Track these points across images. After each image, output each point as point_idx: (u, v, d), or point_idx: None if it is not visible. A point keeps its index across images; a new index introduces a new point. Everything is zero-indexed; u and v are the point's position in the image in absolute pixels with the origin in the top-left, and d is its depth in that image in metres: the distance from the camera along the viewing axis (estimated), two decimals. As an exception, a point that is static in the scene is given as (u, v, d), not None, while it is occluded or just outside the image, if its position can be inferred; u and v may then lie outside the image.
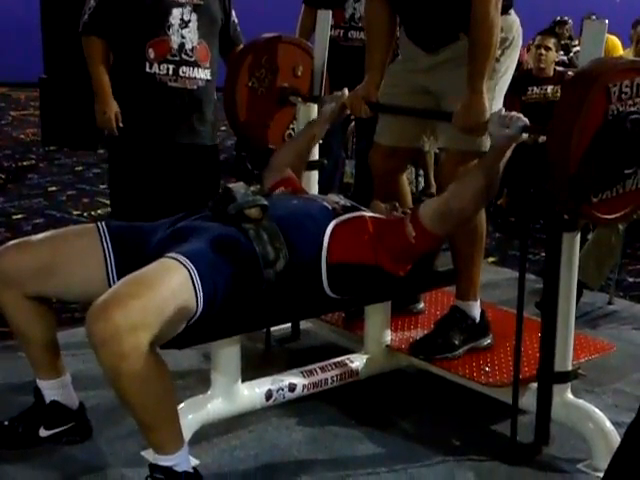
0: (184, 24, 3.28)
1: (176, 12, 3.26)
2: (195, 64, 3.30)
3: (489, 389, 2.67)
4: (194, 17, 3.29)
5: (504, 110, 2.48)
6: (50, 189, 6.10)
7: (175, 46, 3.26)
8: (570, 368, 2.50)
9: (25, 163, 7.00)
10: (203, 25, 3.32)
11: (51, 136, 7.50)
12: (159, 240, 2.35)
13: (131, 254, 2.34)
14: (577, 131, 2.16)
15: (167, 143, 3.33)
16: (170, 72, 3.27)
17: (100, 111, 3.33)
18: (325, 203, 2.51)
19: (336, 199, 2.58)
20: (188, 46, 3.29)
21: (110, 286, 2.27)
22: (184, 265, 2.11)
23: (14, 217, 5.26)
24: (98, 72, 3.31)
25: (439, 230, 2.45)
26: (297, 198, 2.60)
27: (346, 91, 2.96)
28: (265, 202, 2.39)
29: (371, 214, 2.53)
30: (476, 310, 2.83)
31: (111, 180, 3.61)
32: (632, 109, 2.23)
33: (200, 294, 2.12)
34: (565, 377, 2.49)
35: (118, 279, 2.27)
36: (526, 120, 2.41)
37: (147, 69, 3.26)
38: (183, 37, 3.28)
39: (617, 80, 2.21)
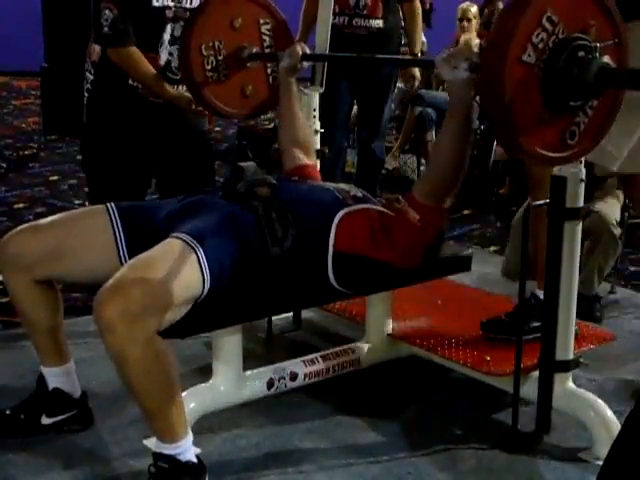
0: (173, 40, 3.19)
1: (169, 28, 3.19)
2: (178, 82, 3.20)
3: (490, 378, 2.67)
4: None
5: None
6: (51, 178, 6.10)
7: (162, 63, 3.20)
8: (571, 357, 2.50)
9: (26, 152, 7.00)
10: None
11: (52, 125, 7.49)
12: (168, 213, 2.37)
13: (141, 230, 2.36)
14: (507, 104, 1.95)
15: (145, 143, 3.28)
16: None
17: (184, 103, 3.19)
18: (335, 192, 2.49)
19: (347, 188, 2.56)
20: (174, 63, 3.20)
21: (122, 264, 2.29)
22: (191, 246, 2.12)
23: (15, 206, 5.27)
24: (153, 77, 3.16)
25: (435, 201, 2.34)
26: (307, 183, 2.60)
27: (298, 46, 2.85)
28: (274, 181, 2.41)
29: (378, 208, 2.48)
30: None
31: (87, 172, 3.58)
32: (555, 44, 1.97)
33: (207, 275, 2.12)
34: (566, 366, 2.50)
35: (130, 257, 2.29)
36: (474, 56, 2.20)
37: (130, 81, 3.21)
38: (171, 54, 3.20)
39: (526, 43, 1.94)
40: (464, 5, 6.69)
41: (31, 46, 8.32)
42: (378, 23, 4.35)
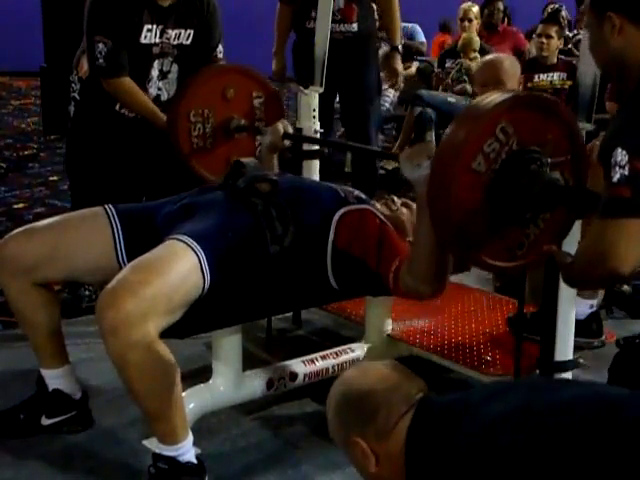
0: (162, 75, 3.21)
1: (157, 64, 3.19)
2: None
3: (490, 378, 2.67)
4: (174, 68, 3.22)
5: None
6: (51, 178, 6.09)
7: (151, 98, 3.20)
8: (571, 357, 2.50)
9: (26, 152, 6.99)
10: (183, 74, 3.22)
11: (52, 125, 7.48)
12: (167, 214, 2.36)
13: (140, 231, 2.36)
14: (454, 209, 1.92)
15: (131, 162, 3.30)
16: (139, 117, 3.21)
17: None
18: (339, 190, 2.48)
19: (350, 189, 2.56)
20: (163, 97, 3.23)
21: (119, 264, 2.30)
22: (192, 248, 2.12)
23: (15, 206, 5.26)
24: (148, 107, 3.17)
25: (410, 294, 2.27)
26: (309, 180, 2.58)
27: (280, 125, 2.87)
28: (275, 177, 2.40)
29: (380, 216, 2.43)
30: (583, 306, 2.73)
31: (71, 179, 3.60)
32: (507, 155, 1.94)
33: (207, 277, 2.13)
34: (566, 366, 2.49)
35: (127, 257, 2.31)
36: (433, 150, 2.12)
37: (117, 108, 3.22)
38: (159, 89, 3.22)
39: (478, 152, 1.90)
40: (465, 5, 6.70)
41: (31, 46, 8.32)
42: (353, 27, 4.28)
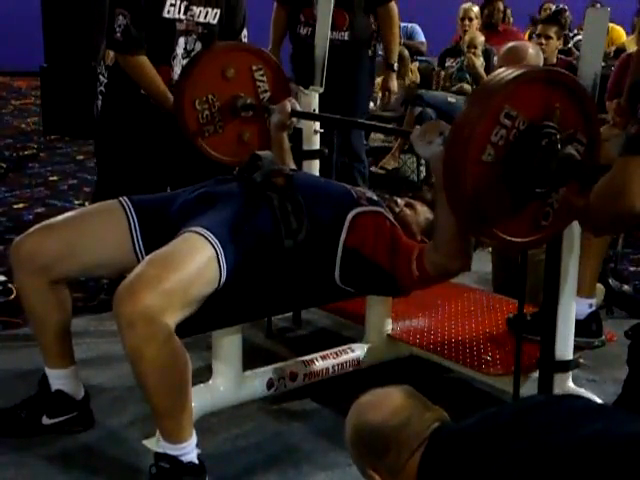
0: (187, 54, 3.20)
1: (182, 41, 3.19)
2: None
3: (490, 378, 2.67)
4: (198, 46, 3.21)
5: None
6: (51, 178, 6.09)
7: (175, 77, 3.18)
8: (571, 357, 2.51)
9: (26, 152, 6.98)
10: None
11: (52, 125, 7.49)
12: (183, 204, 2.37)
13: (156, 222, 2.37)
14: (470, 198, 1.91)
15: (156, 150, 3.30)
16: None
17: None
18: (351, 190, 2.48)
19: (362, 189, 2.56)
20: None
21: (137, 256, 2.32)
22: (210, 242, 2.13)
23: (15, 207, 5.25)
24: (159, 88, 3.16)
25: (440, 271, 2.26)
26: (323, 178, 2.60)
27: (288, 104, 2.86)
28: (291, 172, 2.41)
29: (391, 218, 2.43)
30: (582, 306, 2.75)
31: (100, 171, 3.61)
32: (516, 137, 1.91)
33: (224, 271, 2.14)
34: (566, 366, 2.50)
35: (145, 248, 2.32)
36: (445, 127, 2.13)
37: (142, 91, 3.22)
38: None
39: (486, 144, 1.88)
40: (466, 5, 6.71)
41: (31, 46, 8.32)
42: (342, 35, 4.16)
